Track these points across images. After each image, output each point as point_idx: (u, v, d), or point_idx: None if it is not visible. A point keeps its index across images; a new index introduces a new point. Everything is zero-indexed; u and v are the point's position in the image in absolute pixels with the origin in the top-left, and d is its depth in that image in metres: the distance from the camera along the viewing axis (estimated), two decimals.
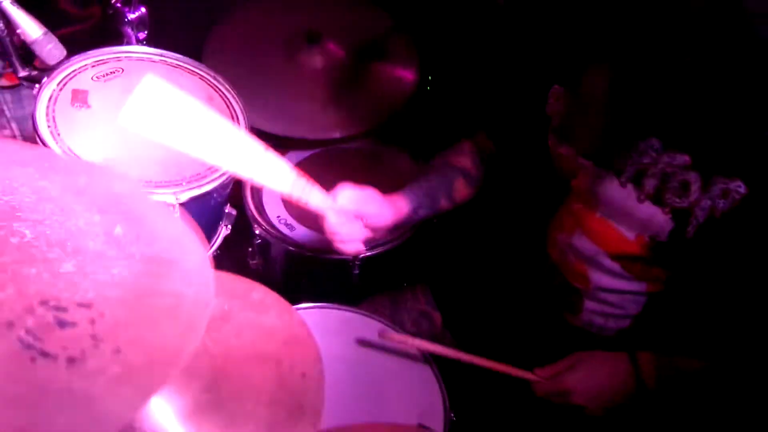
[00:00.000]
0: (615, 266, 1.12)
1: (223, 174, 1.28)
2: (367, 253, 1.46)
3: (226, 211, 1.45)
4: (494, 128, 1.28)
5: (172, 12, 1.71)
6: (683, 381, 1.07)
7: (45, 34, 1.16)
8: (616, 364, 1.08)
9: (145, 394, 0.55)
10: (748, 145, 0.94)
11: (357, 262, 1.46)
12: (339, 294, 1.38)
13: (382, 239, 1.43)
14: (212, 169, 1.27)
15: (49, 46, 1.18)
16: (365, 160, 1.71)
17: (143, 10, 1.51)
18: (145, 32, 1.51)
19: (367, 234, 1.13)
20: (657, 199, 1.02)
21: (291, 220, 1.53)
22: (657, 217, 1.02)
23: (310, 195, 1.05)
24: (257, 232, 1.51)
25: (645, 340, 1.13)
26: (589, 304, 1.19)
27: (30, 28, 1.15)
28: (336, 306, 1.34)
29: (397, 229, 1.27)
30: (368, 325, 1.31)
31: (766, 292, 0.98)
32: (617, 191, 1.06)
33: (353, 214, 1.10)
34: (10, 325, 0.54)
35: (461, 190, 1.26)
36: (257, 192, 1.57)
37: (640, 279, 1.12)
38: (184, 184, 1.21)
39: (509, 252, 1.37)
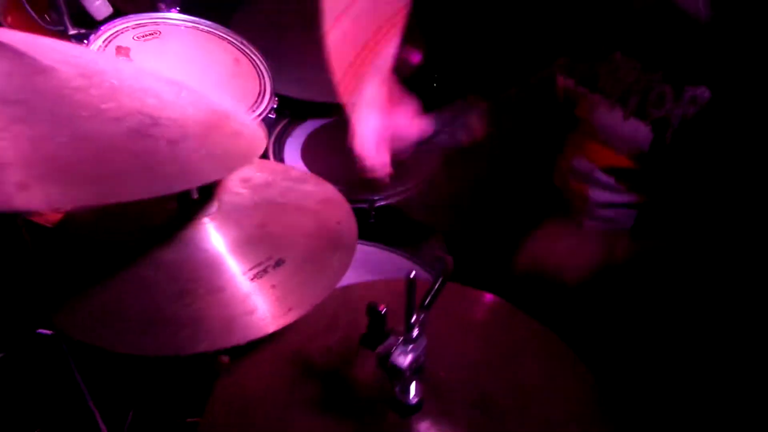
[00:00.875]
0: (610, 180, 1.25)
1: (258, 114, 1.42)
2: (382, 202, 1.58)
3: None
4: (501, 74, 1.43)
5: None
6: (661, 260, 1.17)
7: None
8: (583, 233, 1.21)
9: (224, 172, 0.67)
10: (710, 56, 1.09)
11: (373, 211, 1.57)
12: None
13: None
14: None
15: (98, 2, 1.33)
16: None
17: None
18: (177, 9, 1.67)
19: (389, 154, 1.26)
20: (640, 113, 1.17)
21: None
22: (640, 130, 1.17)
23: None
24: None
25: None
26: (588, 223, 1.31)
27: None
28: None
29: (421, 145, 1.38)
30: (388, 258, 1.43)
31: (735, 191, 1.11)
32: (608, 114, 1.22)
33: (382, 133, 1.24)
34: (118, 120, 0.66)
35: (477, 126, 1.41)
36: (279, 147, 1.70)
37: (631, 191, 1.24)
38: None
39: (516, 182, 1.50)
